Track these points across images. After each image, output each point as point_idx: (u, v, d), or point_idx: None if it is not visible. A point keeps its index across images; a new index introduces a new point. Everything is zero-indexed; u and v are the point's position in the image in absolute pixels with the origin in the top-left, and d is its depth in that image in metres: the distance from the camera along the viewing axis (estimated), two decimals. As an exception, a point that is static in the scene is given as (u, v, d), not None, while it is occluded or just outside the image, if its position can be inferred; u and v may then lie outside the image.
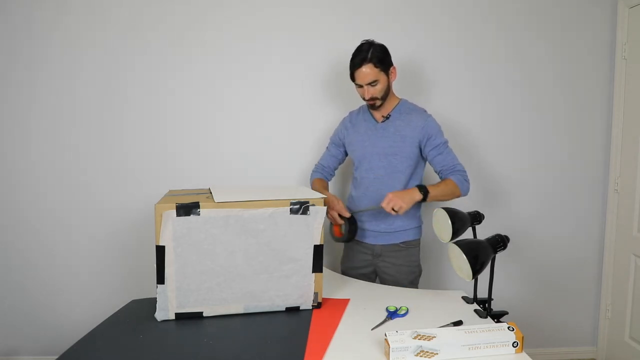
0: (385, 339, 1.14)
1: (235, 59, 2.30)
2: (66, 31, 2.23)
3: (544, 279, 2.51)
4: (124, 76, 2.28)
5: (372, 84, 1.72)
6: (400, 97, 1.88)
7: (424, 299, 1.56)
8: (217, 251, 1.35)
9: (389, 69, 1.75)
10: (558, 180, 2.46)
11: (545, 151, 2.44)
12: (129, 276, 2.36)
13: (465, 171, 1.78)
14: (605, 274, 2.48)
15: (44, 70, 2.25)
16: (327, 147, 2.05)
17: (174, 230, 1.31)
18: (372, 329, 1.32)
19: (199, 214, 1.31)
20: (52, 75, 2.25)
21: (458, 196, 1.76)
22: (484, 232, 1.56)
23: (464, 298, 1.55)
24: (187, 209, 1.31)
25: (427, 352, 1.12)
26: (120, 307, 1.49)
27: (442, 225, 1.55)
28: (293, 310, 1.45)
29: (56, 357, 1.16)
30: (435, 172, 1.83)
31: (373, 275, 1.95)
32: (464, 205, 1.83)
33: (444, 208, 1.55)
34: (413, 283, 1.89)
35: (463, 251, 1.32)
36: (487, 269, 1.42)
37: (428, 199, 1.68)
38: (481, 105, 2.39)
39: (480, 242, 1.39)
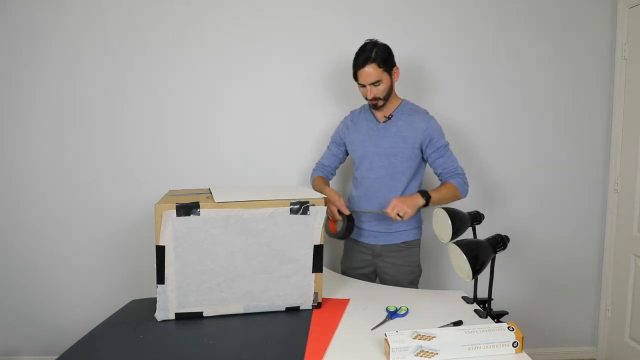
0: (385, 339, 1.14)
1: (235, 59, 2.30)
2: (66, 31, 2.23)
3: (544, 279, 2.51)
4: (124, 76, 2.28)
5: (375, 84, 1.71)
6: (402, 98, 1.88)
7: (424, 299, 1.56)
8: (217, 251, 1.35)
9: (392, 69, 1.75)
10: (558, 180, 2.46)
11: (545, 151, 2.44)
12: (129, 276, 2.36)
13: (464, 174, 1.80)
14: (605, 274, 2.48)
15: (44, 70, 2.25)
16: (327, 146, 2.04)
17: (174, 230, 1.31)
18: (372, 329, 1.32)
19: (199, 214, 1.31)
20: (52, 75, 2.25)
21: (458, 199, 1.78)
22: (484, 232, 1.56)
23: (464, 298, 1.55)
24: (187, 209, 1.31)
25: (427, 352, 1.12)
26: (120, 307, 1.49)
27: (442, 225, 1.55)
28: (293, 310, 1.45)
29: (56, 357, 1.16)
30: (436, 174, 1.85)
31: (373, 276, 1.95)
32: (464, 205, 1.83)
33: (444, 208, 1.55)
34: (413, 283, 1.89)
35: (463, 251, 1.32)
36: (487, 269, 1.42)
37: (430, 204, 1.70)
38: (481, 105, 2.39)
39: (480, 242, 1.39)
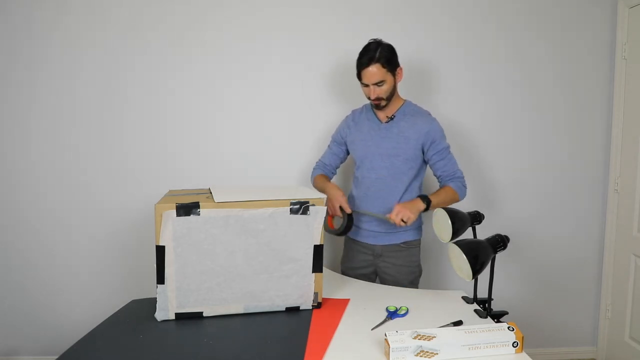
0: (385, 339, 1.14)
1: (235, 59, 2.30)
2: (66, 31, 2.23)
3: (544, 279, 2.51)
4: (124, 76, 2.28)
5: (379, 84, 1.71)
6: (404, 99, 1.88)
7: (424, 299, 1.56)
8: (217, 251, 1.35)
9: (395, 70, 1.75)
10: (558, 180, 2.46)
11: (545, 151, 2.44)
12: (129, 276, 2.36)
13: (463, 177, 1.83)
14: (605, 274, 2.48)
15: (44, 70, 2.25)
16: (328, 145, 2.04)
17: (174, 230, 1.31)
18: (372, 329, 1.32)
19: (199, 214, 1.31)
20: (52, 75, 2.25)
21: (456, 202, 1.79)
22: (484, 232, 1.56)
23: (464, 298, 1.55)
24: (187, 209, 1.31)
25: (427, 352, 1.12)
26: (120, 307, 1.49)
27: (442, 225, 1.55)
28: (293, 310, 1.45)
29: (56, 357, 1.16)
30: (435, 175, 1.86)
31: (373, 276, 1.95)
32: (464, 205, 1.83)
33: (444, 208, 1.55)
34: (413, 283, 1.89)
35: (463, 251, 1.32)
36: (487, 269, 1.42)
37: (430, 208, 1.72)
38: (481, 105, 2.39)
39: (480, 242, 1.39)
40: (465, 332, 1.16)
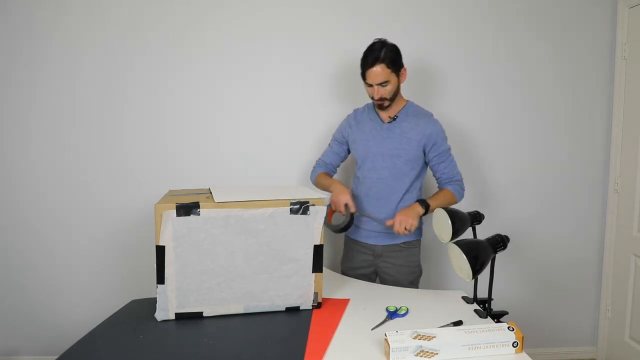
0: (385, 339, 1.14)
1: (235, 59, 2.30)
2: (66, 31, 2.23)
3: (544, 279, 2.51)
4: (124, 76, 2.28)
5: (383, 84, 1.70)
6: (407, 99, 1.87)
7: (424, 299, 1.56)
8: (217, 251, 1.35)
9: (400, 70, 1.74)
10: (558, 180, 2.46)
11: (545, 151, 2.44)
12: (129, 276, 2.36)
13: (462, 180, 1.85)
14: (605, 274, 2.48)
15: (44, 70, 2.25)
16: (329, 144, 2.03)
17: (174, 230, 1.31)
18: (372, 329, 1.32)
19: (199, 214, 1.31)
20: (52, 75, 2.25)
21: (454, 204, 1.80)
22: (484, 232, 1.56)
23: (464, 298, 1.55)
24: (187, 209, 1.31)
25: (427, 352, 1.12)
26: (120, 307, 1.49)
27: (442, 225, 1.55)
28: (293, 310, 1.45)
29: (56, 357, 1.16)
30: (434, 176, 1.87)
31: (373, 276, 1.95)
32: (464, 205, 1.83)
33: (444, 208, 1.55)
34: (413, 283, 1.89)
35: (463, 251, 1.32)
36: (487, 269, 1.42)
37: (428, 212, 1.74)
38: (481, 105, 2.39)
39: (480, 242, 1.39)
40: (465, 332, 1.16)
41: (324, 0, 2.29)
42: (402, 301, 1.50)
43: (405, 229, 1.66)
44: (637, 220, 2.27)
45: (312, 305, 1.47)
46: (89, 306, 2.36)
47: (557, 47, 2.38)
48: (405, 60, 1.77)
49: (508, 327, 1.18)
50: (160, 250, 1.32)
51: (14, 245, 2.33)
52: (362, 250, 1.92)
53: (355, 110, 1.98)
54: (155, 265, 1.32)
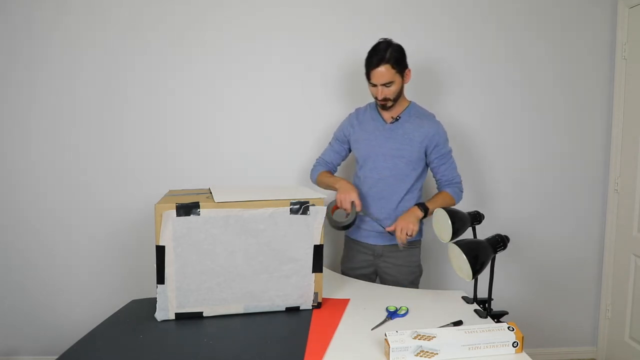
0: (385, 339, 1.14)
1: (235, 59, 2.30)
2: (66, 31, 2.23)
3: (544, 279, 2.51)
4: (124, 76, 2.28)
5: (387, 84, 1.70)
6: (409, 100, 1.87)
7: (424, 299, 1.56)
8: (217, 251, 1.35)
9: (404, 71, 1.74)
10: (558, 180, 2.46)
11: (545, 151, 2.44)
12: (129, 276, 2.36)
13: (461, 182, 1.86)
14: (605, 274, 2.48)
15: (44, 70, 2.25)
16: (330, 143, 2.02)
17: (174, 230, 1.31)
18: (372, 329, 1.32)
19: (199, 214, 1.31)
20: (52, 75, 2.25)
21: (452, 206, 1.78)
22: (484, 232, 1.56)
23: (464, 298, 1.55)
24: (187, 209, 1.31)
25: (427, 352, 1.12)
26: (120, 307, 1.49)
27: (442, 225, 1.55)
28: (293, 310, 1.45)
29: (56, 357, 1.16)
30: (434, 178, 1.88)
31: (373, 276, 1.95)
32: (464, 205, 1.83)
33: (444, 208, 1.55)
34: (413, 283, 1.89)
35: (463, 251, 1.32)
36: (487, 269, 1.42)
37: (427, 215, 1.74)
38: (481, 105, 2.39)
39: (480, 242, 1.39)
40: (465, 332, 1.16)
41: (324, 0, 2.29)
42: (402, 301, 1.50)
43: (407, 234, 1.66)
44: (637, 220, 2.27)
45: (312, 305, 1.47)
46: (89, 306, 2.36)
47: (557, 47, 2.38)
48: (405, 60, 1.76)
49: (508, 327, 1.18)
50: (160, 250, 1.32)
51: (14, 245, 2.33)
52: (362, 250, 1.92)
53: (357, 110, 1.97)
54: (155, 265, 1.32)
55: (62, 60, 2.25)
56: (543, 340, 2.53)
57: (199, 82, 2.30)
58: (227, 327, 1.35)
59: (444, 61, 2.35)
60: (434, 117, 1.85)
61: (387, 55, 1.66)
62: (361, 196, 1.87)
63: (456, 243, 1.37)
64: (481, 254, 1.34)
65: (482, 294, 1.51)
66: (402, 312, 1.42)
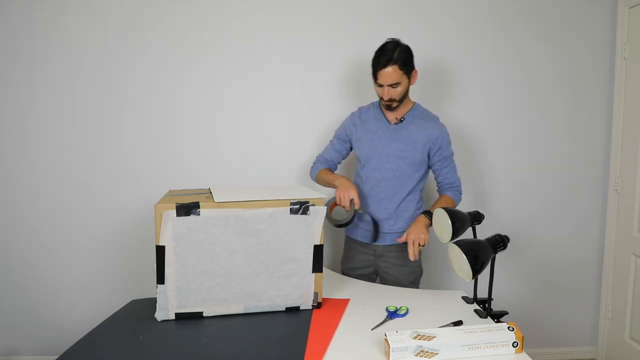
0: (385, 339, 1.14)
1: (235, 59, 2.30)
2: (66, 31, 2.23)
3: (544, 279, 2.51)
4: (124, 76, 2.28)
5: (394, 85, 1.69)
6: (413, 101, 1.87)
7: (424, 299, 1.56)
8: (217, 251, 1.35)
9: (411, 72, 1.73)
10: (558, 180, 2.46)
11: (545, 151, 2.44)
12: (129, 276, 2.36)
13: (460, 185, 1.87)
14: (605, 274, 2.48)
15: (44, 70, 2.25)
16: (331, 141, 2.01)
17: (174, 230, 1.31)
18: (372, 329, 1.32)
19: (199, 214, 1.31)
20: (52, 75, 2.25)
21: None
22: (484, 232, 1.56)
23: (464, 298, 1.55)
24: (187, 209, 1.31)
25: (427, 352, 1.12)
26: (120, 307, 1.49)
27: (442, 225, 1.55)
28: (293, 310, 1.45)
29: (56, 357, 1.16)
30: (435, 180, 1.89)
31: (374, 276, 1.95)
32: (464, 205, 1.83)
33: (443, 208, 1.55)
34: (414, 283, 1.89)
35: (463, 251, 1.32)
36: (487, 269, 1.42)
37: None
38: (481, 105, 2.39)
39: (480, 242, 1.39)
40: (465, 332, 1.16)
41: (324, 0, 2.29)
42: (402, 301, 1.50)
43: (420, 244, 1.66)
44: (637, 220, 2.27)
45: (312, 305, 1.47)
46: (89, 306, 2.36)
47: (557, 47, 2.38)
48: (405, 60, 1.76)
49: (508, 327, 1.18)
50: (160, 250, 1.32)
51: (14, 245, 2.33)
52: (362, 250, 1.92)
53: (360, 109, 1.96)
54: (155, 265, 1.32)
55: (62, 60, 2.25)
56: (543, 340, 2.53)
57: (199, 82, 2.30)
58: (227, 327, 1.35)
59: (444, 61, 2.35)
60: (438, 119, 1.85)
61: (395, 55, 1.65)
62: (362, 196, 1.87)
63: (456, 243, 1.37)
64: (481, 254, 1.34)
65: (482, 294, 1.51)
66: (402, 312, 1.42)
